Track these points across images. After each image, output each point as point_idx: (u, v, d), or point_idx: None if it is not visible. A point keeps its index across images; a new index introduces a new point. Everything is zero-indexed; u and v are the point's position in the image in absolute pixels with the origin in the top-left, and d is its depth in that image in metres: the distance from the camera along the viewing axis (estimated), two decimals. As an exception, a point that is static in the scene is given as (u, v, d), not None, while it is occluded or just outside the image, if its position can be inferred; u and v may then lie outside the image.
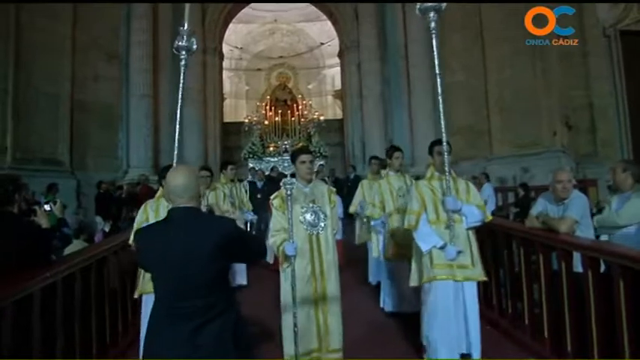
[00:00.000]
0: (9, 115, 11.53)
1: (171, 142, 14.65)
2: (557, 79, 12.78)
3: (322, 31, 20.94)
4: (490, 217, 4.06)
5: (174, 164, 3.45)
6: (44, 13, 12.19)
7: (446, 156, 3.78)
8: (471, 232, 3.86)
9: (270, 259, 8.01)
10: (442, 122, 3.86)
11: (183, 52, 3.70)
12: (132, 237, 3.84)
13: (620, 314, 2.91)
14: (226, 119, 19.72)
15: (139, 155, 13.91)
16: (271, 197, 3.88)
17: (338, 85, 21.00)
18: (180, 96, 3.82)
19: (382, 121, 15.65)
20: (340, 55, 18.17)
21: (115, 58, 14.19)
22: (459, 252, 3.73)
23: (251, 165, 16.23)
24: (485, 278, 3.92)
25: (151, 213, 4.05)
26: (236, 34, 21.15)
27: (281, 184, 3.58)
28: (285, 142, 18.04)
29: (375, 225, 5.74)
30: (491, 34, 13.22)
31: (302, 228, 3.76)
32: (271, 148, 18.17)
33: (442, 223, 3.82)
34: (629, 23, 14.01)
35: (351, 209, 6.65)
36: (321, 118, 19.61)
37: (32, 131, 11.91)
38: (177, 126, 3.95)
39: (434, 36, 3.95)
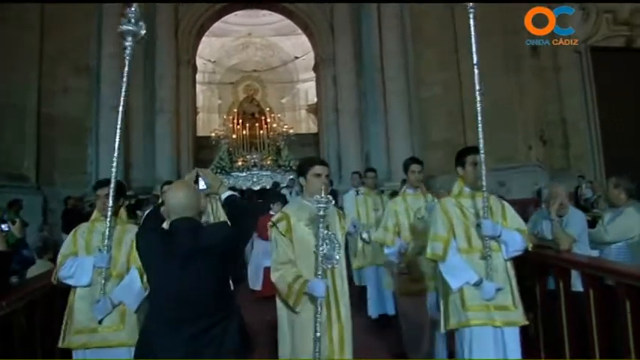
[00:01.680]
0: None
1: (144, 156, 14.38)
2: (532, 93, 12.94)
3: (296, 45, 20.86)
4: (531, 245, 3.30)
5: (113, 179, 3.35)
6: (10, 23, 11.78)
7: (483, 170, 3.13)
8: (509, 264, 3.15)
9: (254, 284, 7.68)
10: (480, 127, 3.39)
11: (129, 38, 3.28)
12: (57, 272, 3.27)
13: (627, 336, 2.77)
14: (199, 133, 19.37)
15: (109, 170, 13.39)
16: (273, 219, 3.04)
17: (312, 99, 20.89)
18: (123, 93, 3.47)
19: (358, 135, 15.54)
20: (315, 68, 18.07)
21: (85, 70, 13.79)
22: (498, 289, 3.05)
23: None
24: (527, 322, 3.17)
25: (81, 241, 3.35)
26: (210, 48, 20.91)
27: (314, 201, 2.76)
28: (254, 157, 17.71)
29: (389, 254, 4.70)
30: (467, 49, 13.27)
31: (313, 261, 2.87)
32: (239, 163, 17.79)
33: (476, 253, 3.13)
34: (598, 39, 14.34)
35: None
36: (291, 131, 19.37)
37: (-1, 146, 11.44)
38: (119, 131, 3.67)
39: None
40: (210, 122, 21.80)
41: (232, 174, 17.26)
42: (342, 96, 15.77)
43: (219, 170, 17.23)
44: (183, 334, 2.19)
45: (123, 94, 3.47)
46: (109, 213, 3.20)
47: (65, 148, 13.12)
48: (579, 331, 3.31)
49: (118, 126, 3.57)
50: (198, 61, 18.57)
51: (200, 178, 2.75)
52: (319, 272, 2.77)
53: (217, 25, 18.74)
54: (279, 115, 20.71)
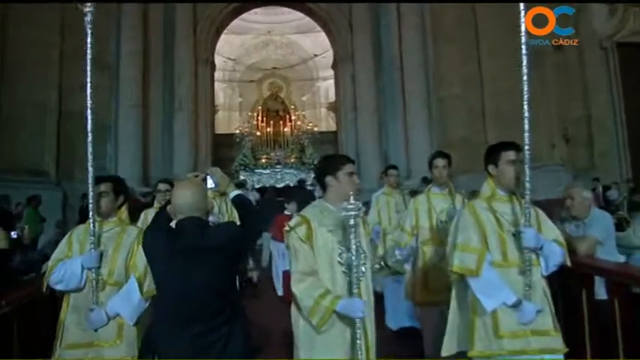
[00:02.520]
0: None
1: (162, 154, 14.48)
2: (555, 90, 12.62)
3: (316, 42, 20.77)
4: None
5: (90, 177, 2.95)
6: (31, 23, 11.91)
7: (527, 169, 2.71)
8: (544, 281, 2.72)
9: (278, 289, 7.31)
10: (526, 122, 2.90)
11: (89, 5, 2.86)
12: (47, 277, 2.93)
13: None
14: (219, 131, 19.43)
15: (128, 166, 13.57)
16: (291, 223, 2.59)
17: (332, 97, 20.78)
18: (88, 70, 3.03)
19: (377, 133, 15.41)
20: (334, 66, 17.96)
21: (104, 67, 13.87)
22: (538, 311, 2.60)
23: (242, 177, 15.86)
24: (567, 349, 2.68)
25: (75, 245, 2.99)
26: (230, 46, 20.94)
27: (342, 209, 2.40)
28: (278, 154, 17.68)
29: (400, 254, 4.08)
30: (488, 46, 13.06)
31: (339, 272, 2.50)
32: (263, 160, 17.78)
33: (512, 268, 2.66)
34: (625, 35, 13.94)
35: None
36: (315, 129, 19.31)
37: (17, 141, 11.59)
38: (89, 122, 3.16)
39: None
40: (230, 120, 21.85)
41: (256, 171, 17.30)
42: (361, 94, 15.66)
43: (242, 167, 17.29)
44: (187, 334, 2.19)
45: (88, 77, 3.11)
46: (91, 207, 2.85)
47: (85, 145, 13.15)
48: (603, 342, 3.13)
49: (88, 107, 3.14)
50: (218, 59, 18.60)
51: (208, 177, 2.73)
52: (355, 289, 2.37)
53: (237, 23, 18.75)
54: (303, 112, 20.65)
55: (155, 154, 14.51)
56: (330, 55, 18.81)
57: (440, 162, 4.19)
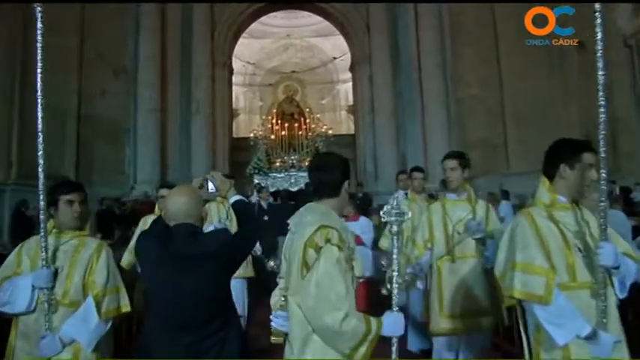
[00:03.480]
0: (15, 130, 11.38)
1: (180, 157, 14.56)
2: (577, 91, 12.35)
3: (335, 45, 20.74)
4: None
5: (41, 179, 2.58)
6: (51, 29, 11.99)
7: (602, 169, 2.25)
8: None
9: None
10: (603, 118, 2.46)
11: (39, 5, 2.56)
12: None
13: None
14: (240, 135, 19.46)
15: (147, 170, 13.68)
16: (329, 235, 2.04)
17: (351, 99, 20.70)
18: (39, 64, 2.65)
19: (394, 136, 15.27)
20: (352, 68, 17.89)
21: (122, 72, 14.07)
22: (616, 342, 2.17)
23: (256, 181, 15.83)
24: None
25: (26, 261, 2.62)
26: (250, 50, 21.05)
27: (383, 214, 2.14)
28: (292, 157, 17.60)
29: (413, 271, 3.62)
30: (507, 45, 12.85)
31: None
32: (277, 164, 17.72)
33: (583, 290, 2.21)
34: (650, 33, 13.57)
35: (383, 243, 5.11)
36: (330, 132, 19.19)
37: (37, 146, 11.71)
38: (40, 120, 2.69)
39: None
40: (251, 124, 21.92)
41: (270, 175, 17.24)
42: (379, 96, 15.56)
43: (256, 171, 17.27)
44: (180, 342, 2.15)
45: (39, 71, 2.67)
46: (42, 217, 2.50)
47: (103, 149, 13.41)
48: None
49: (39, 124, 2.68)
50: (238, 64, 18.68)
51: (209, 181, 2.64)
52: (394, 303, 2.07)
53: (257, 27, 18.83)
54: (318, 115, 20.58)
55: (173, 158, 14.62)
56: (349, 57, 18.76)
57: (449, 163, 3.63)
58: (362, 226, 5.42)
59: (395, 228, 2.09)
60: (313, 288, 1.95)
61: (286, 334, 2.13)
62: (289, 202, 10.16)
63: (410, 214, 2.11)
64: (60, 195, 2.63)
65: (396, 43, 15.45)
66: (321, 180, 2.23)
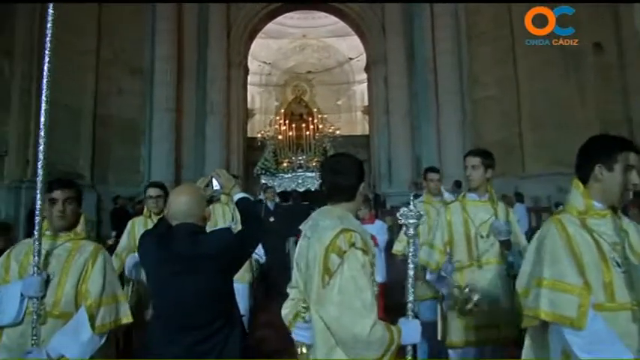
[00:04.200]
0: (32, 128, 11.52)
1: (194, 157, 14.65)
2: (593, 92, 12.19)
3: (352, 46, 20.77)
4: None
5: (40, 175, 2.41)
6: (68, 28, 12.21)
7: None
8: None
9: None
10: None
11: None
12: None
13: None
14: (255, 135, 19.52)
15: (161, 170, 13.79)
16: (353, 239, 1.89)
17: (367, 100, 20.69)
18: (46, 58, 2.49)
19: (409, 137, 15.20)
20: (367, 69, 17.87)
21: (139, 72, 14.18)
22: None
23: (263, 181, 15.85)
24: None
25: (14, 267, 2.39)
26: (267, 50, 21.15)
27: (400, 216, 2.07)
28: (300, 158, 17.58)
29: (431, 280, 3.42)
30: (523, 46, 12.71)
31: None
32: (285, 164, 17.72)
33: (623, 312, 1.90)
34: (670, 34, 13.35)
35: (398, 248, 4.79)
36: (337, 132, 19.15)
37: (53, 145, 11.78)
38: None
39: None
40: (267, 123, 22.03)
41: (277, 175, 17.24)
42: (393, 97, 15.51)
43: (264, 171, 17.30)
44: (182, 343, 2.13)
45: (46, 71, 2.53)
46: (37, 219, 2.31)
47: (119, 148, 13.53)
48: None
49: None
50: (255, 64, 18.76)
51: (213, 179, 2.64)
52: (410, 309, 1.98)
53: (274, 27, 18.90)
54: (326, 115, 20.58)
55: (188, 158, 14.71)
56: (364, 58, 18.76)
57: (471, 160, 3.31)
58: (377, 229, 5.12)
59: (412, 231, 2.01)
60: (337, 296, 1.81)
61: (309, 347, 1.99)
62: (302, 203, 10.11)
63: (425, 217, 2.04)
64: (45, 193, 2.43)
65: (412, 44, 15.39)
66: (337, 184, 2.08)
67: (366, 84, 20.17)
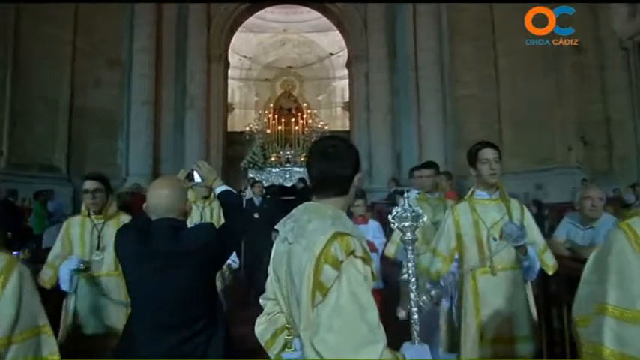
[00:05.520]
0: (6, 119, 11.28)
1: (173, 151, 14.46)
2: (572, 92, 12.34)
3: (333, 42, 20.68)
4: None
5: None
6: (45, 19, 11.98)
7: None
8: None
9: None
10: None
11: None
12: None
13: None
14: (235, 129, 19.34)
15: (139, 163, 13.58)
16: (355, 247, 1.49)
17: (347, 96, 20.65)
18: None
19: (390, 133, 15.20)
20: (348, 65, 17.81)
21: (117, 64, 13.94)
22: None
23: (250, 175, 15.72)
24: None
25: None
26: (247, 44, 20.94)
27: (393, 220, 1.81)
28: (288, 153, 17.50)
29: (434, 292, 2.36)
30: (504, 45, 12.82)
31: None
32: (273, 159, 17.62)
33: None
34: (646, 36, 13.55)
35: (390, 250, 4.17)
36: (326, 127, 19.10)
37: (29, 137, 11.64)
38: None
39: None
40: (246, 118, 21.85)
41: (265, 169, 17.13)
42: (375, 93, 15.48)
43: (251, 166, 17.16)
44: (163, 343, 2.02)
45: None
46: None
47: (96, 141, 13.30)
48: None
49: None
50: (235, 58, 18.57)
51: (194, 171, 2.52)
52: (415, 331, 1.66)
53: (255, 21, 18.72)
54: (315, 111, 20.50)
55: (166, 152, 14.51)
56: (345, 54, 18.69)
57: (490, 153, 2.88)
58: (373, 231, 4.63)
59: (410, 235, 1.68)
60: (336, 319, 1.40)
61: None
62: (281, 199, 9.94)
63: (425, 218, 1.73)
64: None
65: (394, 41, 15.38)
66: (329, 173, 1.66)
67: (346, 80, 20.12)
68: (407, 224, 1.73)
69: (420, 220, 1.74)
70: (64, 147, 12.47)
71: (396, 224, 1.76)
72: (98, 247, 3.18)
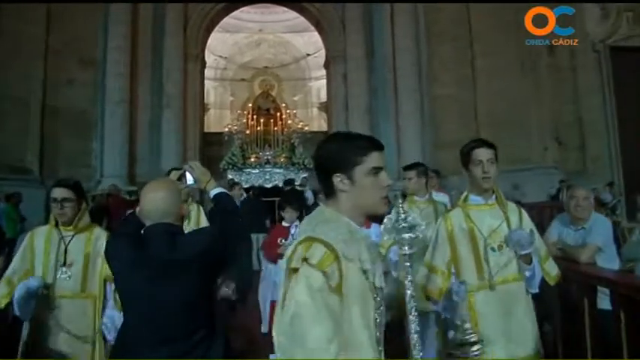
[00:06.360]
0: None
1: (149, 151, 14.20)
2: (548, 92, 12.56)
3: (309, 42, 20.65)
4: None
5: None
6: (15, 16, 11.63)
7: None
8: None
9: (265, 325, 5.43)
10: None
11: None
12: None
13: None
14: (210, 129, 19.12)
15: (114, 164, 13.29)
16: (311, 257, 1.41)
17: (324, 97, 20.62)
18: None
19: (368, 133, 14.92)
20: (326, 65, 17.78)
21: (90, 62, 13.60)
22: None
23: (230, 176, 15.55)
24: None
25: None
26: (222, 44, 20.74)
27: (385, 232, 1.61)
28: (267, 153, 17.37)
29: (438, 310, 2.75)
30: (482, 46, 12.96)
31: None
32: (252, 159, 17.46)
33: None
34: (618, 39, 13.88)
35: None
36: (306, 128, 19.03)
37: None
38: None
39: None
40: (221, 119, 21.65)
41: (245, 170, 16.96)
42: (353, 94, 15.48)
43: (230, 166, 16.98)
44: (158, 356, 1.91)
45: None
46: None
47: (69, 141, 12.96)
48: (606, 354, 2.95)
49: None
50: (210, 58, 18.37)
51: (187, 172, 2.44)
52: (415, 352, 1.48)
53: (230, 21, 18.55)
54: (294, 111, 20.40)
55: (142, 152, 14.22)
56: (322, 54, 18.65)
57: (486, 154, 2.60)
58: (376, 235, 4.34)
59: (407, 249, 1.49)
60: (288, 325, 1.38)
61: None
62: (261, 200, 9.91)
63: (424, 226, 1.52)
64: None
65: (372, 41, 15.39)
66: (317, 176, 1.61)
67: (322, 80, 20.10)
68: (406, 236, 1.50)
69: (420, 229, 1.52)
70: (36, 148, 12.10)
71: (388, 236, 1.55)
72: (64, 264, 2.76)
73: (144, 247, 1.98)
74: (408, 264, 1.50)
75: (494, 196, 2.68)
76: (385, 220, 1.59)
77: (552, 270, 2.69)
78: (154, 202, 2.01)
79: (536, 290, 2.61)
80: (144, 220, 2.07)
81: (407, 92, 14.34)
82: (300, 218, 4.64)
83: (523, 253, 2.47)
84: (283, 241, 4.52)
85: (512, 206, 2.72)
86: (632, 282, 2.90)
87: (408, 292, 1.51)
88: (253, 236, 8.50)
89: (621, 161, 13.38)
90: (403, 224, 1.51)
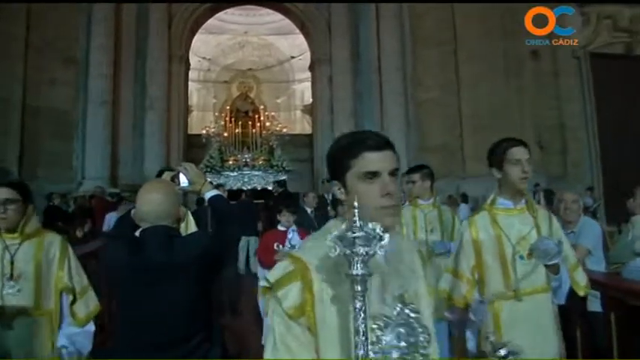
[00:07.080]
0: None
1: (132, 153, 14.02)
2: (531, 98, 12.72)
3: (293, 45, 20.62)
4: None
5: None
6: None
7: None
8: None
9: None
10: None
11: None
12: None
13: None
14: (194, 131, 18.97)
15: (96, 166, 13.09)
16: (271, 277, 1.26)
17: (307, 99, 20.59)
18: None
19: (352, 137, 15.21)
20: (311, 68, 17.78)
21: (72, 62, 13.39)
22: None
23: (209, 179, 15.40)
24: None
25: None
26: (206, 46, 20.59)
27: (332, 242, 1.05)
28: (246, 156, 17.27)
29: (453, 320, 2.62)
30: (466, 51, 13.07)
31: None
32: (230, 162, 17.35)
33: None
34: (598, 46, 14.13)
35: None
36: (284, 130, 18.95)
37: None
38: None
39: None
40: (204, 121, 21.45)
41: (223, 173, 16.85)
42: (338, 97, 15.51)
43: (209, 169, 16.84)
44: None
45: None
46: None
47: (50, 142, 12.73)
48: (596, 356, 2.99)
49: None
50: (194, 59, 18.24)
51: (181, 174, 2.33)
52: None
53: (214, 22, 18.44)
54: (273, 113, 20.32)
55: (125, 154, 14.03)
56: (306, 57, 18.64)
57: (523, 153, 2.45)
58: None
59: (359, 269, 1.02)
60: (267, 344, 1.24)
61: None
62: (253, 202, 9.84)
63: (386, 239, 1.03)
64: None
65: (357, 44, 15.44)
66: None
67: (305, 83, 20.08)
68: (360, 250, 1.02)
69: (377, 245, 1.03)
70: (16, 148, 11.87)
71: (335, 250, 1.04)
72: (11, 277, 2.31)
73: (141, 250, 1.93)
74: (360, 289, 1.02)
75: (523, 200, 2.48)
76: (330, 226, 1.32)
77: (582, 280, 2.50)
78: (150, 204, 1.97)
79: (563, 302, 2.49)
80: (139, 222, 2.02)
81: (392, 96, 14.39)
82: (297, 223, 4.51)
83: (549, 263, 2.29)
84: (280, 247, 4.16)
85: (542, 212, 2.53)
86: (621, 284, 2.95)
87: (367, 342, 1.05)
88: (244, 239, 8.45)
89: (601, 165, 13.61)
90: (358, 233, 1.03)
